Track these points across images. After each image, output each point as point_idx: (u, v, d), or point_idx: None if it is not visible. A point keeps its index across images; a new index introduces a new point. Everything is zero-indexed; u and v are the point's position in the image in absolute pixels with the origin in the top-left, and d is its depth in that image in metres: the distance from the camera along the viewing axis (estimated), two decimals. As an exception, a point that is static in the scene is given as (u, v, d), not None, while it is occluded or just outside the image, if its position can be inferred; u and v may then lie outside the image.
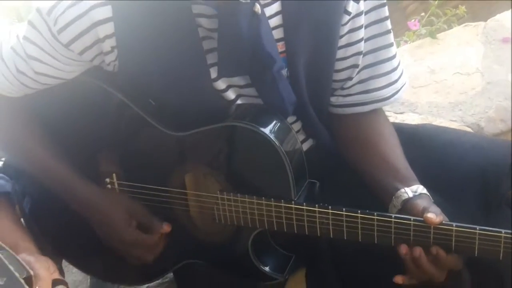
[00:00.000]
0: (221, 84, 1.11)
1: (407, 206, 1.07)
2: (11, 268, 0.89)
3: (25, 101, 1.18)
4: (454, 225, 1.01)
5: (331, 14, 1.10)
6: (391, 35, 1.18)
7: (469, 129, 1.81)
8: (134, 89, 1.13)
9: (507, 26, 2.16)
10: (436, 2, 2.49)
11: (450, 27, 2.40)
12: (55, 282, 0.98)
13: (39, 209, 1.28)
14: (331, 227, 1.07)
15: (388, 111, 1.42)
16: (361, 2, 1.11)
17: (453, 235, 1.00)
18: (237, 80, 1.12)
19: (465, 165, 1.17)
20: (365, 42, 1.15)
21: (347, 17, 1.11)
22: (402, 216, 1.04)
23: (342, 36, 1.12)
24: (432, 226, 1.01)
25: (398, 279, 1.06)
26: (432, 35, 2.24)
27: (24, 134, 1.19)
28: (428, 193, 1.09)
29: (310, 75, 1.14)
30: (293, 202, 1.08)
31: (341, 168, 1.22)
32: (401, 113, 1.89)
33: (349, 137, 1.23)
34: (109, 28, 1.03)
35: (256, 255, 1.17)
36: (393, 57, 1.19)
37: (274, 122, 1.10)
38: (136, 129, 1.16)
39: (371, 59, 1.17)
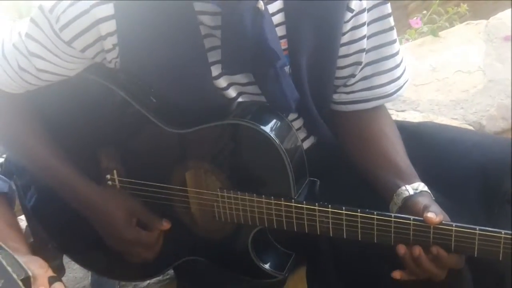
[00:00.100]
0: (222, 82, 1.11)
1: (407, 203, 1.07)
2: (9, 269, 0.89)
3: (26, 98, 1.18)
4: (453, 225, 1.00)
5: (334, 11, 1.10)
6: (394, 32, 1.17)
7: (470, 127, 1.81)
8: (135, 86, 1.13)
9: (508, 25, 2.16)
10: (438, 0, 2.49)
11: (452, 25, 2.40)
12: (51, 280, 0.98)
13: (44, 204, 1.28)
14: (330, 226, 1.07)
15: (390, 108, 1.42)
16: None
17: (453, 235, 1.00)
18: (239, 78, 1.12)
19: (467, 163, 1.17)
20: (368, 39, 1.15)
21: (349, 14, 1.11)
22: (401, 215, 1.04)
23: (344, 33, 1.12)
24: (431, 226, 1.01)
25: (396, 274, 1.06)
26: (434, 33, 2.24)
27: (25, 131, 1.19)
28: (429, 191, 1.09)
29: (312, 72, 1.14)
30: (293, 200, 1.08)
31: (342, 167, 1.23)
32: (402, 111, 1.89)
33: (351, 134, 1.23)
34: (111, 26, 1.03)
35: (256, 253, 1.17)
36: (396, 53, 1.19)
37: (274, 120, 1.10)
38: (137, 126, 1.16)
39: (374, 56, 1.17)
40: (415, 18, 2.44)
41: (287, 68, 1.11)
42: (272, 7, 1.06)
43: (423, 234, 1.02)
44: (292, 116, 1.18)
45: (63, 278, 1.42)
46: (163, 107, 1.14)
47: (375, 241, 1.05)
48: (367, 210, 1.05)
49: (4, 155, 1.37)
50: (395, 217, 1.03)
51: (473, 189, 1.15)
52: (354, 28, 1.13)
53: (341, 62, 1.16)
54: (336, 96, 1.22)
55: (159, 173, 1.17)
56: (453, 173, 1.17)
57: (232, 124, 1.09)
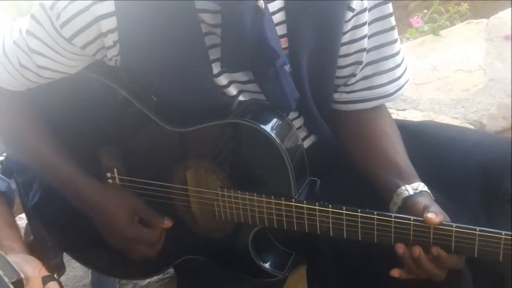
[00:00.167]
0: (223, 80, 1.11)
1: (407, 203, 1.07)
2: (1, 272, 0.88)
3: (27, 96, 1.18)
4: (454, 225, 1.00)
5: (335, 10, 1.09)
6: (395, 32, 1.17)
7: (471, 126, 1.81)
8: (136, 84, 1.13)
9: (509, 24, 2.16)
10: (438, -1, 2.49)
11: (452, 24, 2.39)
12: (45, 280, 0.97)
13: (44, 202, 1.29)
14: (331, 225, 1.07)
15: (390, 107, 1.42)
16: None
17: (453, 236, 1.00)
18: (239, 76, 1.12)
19: (467, 162, 1.17)
20: (368, 38, 1.15)
21: (350, 14, 1.11)
22: (402, 215, 1.04)
23: (345, 33, 1.12)
24: (432, 226, 1.01)
25: (395, 272, 1.06)
26: (435, 32, 2.24)
27: (27, 129, 1.19)
28: (428, 191, 1.09)
29: (313, 71, 1.13)
30: (293, 200, 1.08)
31: (343, 166, 1.22)
32: (403, 110, 1.89)
33: (351, 134, 1.23)
34: (111, 23, 1.03)
35: (256, 252, 1.17)
36: (397, 53, 1.19)
37: (275, 119, 1.10)
38: (137, 124, 1.16)
39: (374, 56, 1.17)
40: (416, 17, 2.44)
41: (287, 67, 1.11)
42: (273, 6, 1.06)
43: (423, 234, 1.02)
44: (292, 115, 1.18)
45: (63, 277, 1.42)
46: (164, 106, 1.14)
47: (375, 241, 1.05)
48: (368, 210, 1.04)
49: (4, 154, 1.37)
50: (395, 217, 1.03)
51: (473, 189, 1.15)
52: (355, 27, 1.13)
53: (342, 62, 1.16)
54: (336, 96, 1.22)
55: (159, 172, 1.17)
56: (453, 172, 1.17)
57: (233, 123, 1.09)
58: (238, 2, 0.99)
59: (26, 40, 1.09)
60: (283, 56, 1.07)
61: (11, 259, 0.96)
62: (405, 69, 1.22)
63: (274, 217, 1.10)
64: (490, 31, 2.17)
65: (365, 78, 1.19)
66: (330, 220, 1.06)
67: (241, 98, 1.15)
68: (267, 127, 1.07)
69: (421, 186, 1.09)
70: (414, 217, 1.03)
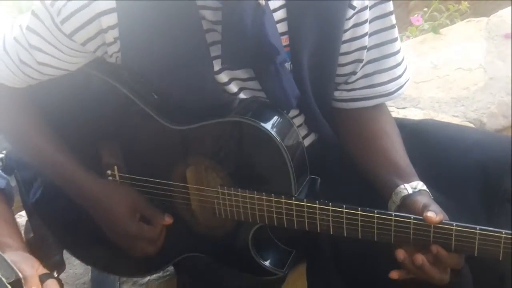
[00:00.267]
0: (223, 77, 1.11)
1: (406, 202, 1.07)
2: None
3: (28, 93, 1.18)
4: (454, 224, 1.00)
5: (336, 8, 1.09)
6: (396, 30, 1.17)
7: (471, 125, 1.81)
8: (136, 81, 1.13)
9: (509, 22, 2.16)
10: (439, -2, 2.49)
11: (452, 23, 2.39)
12: (42, 278, 0.97)
13: (45, 199, 1.29)
14: (331, 224, 1.07)
15: (391, 106, 1.42)
16: None
17: (453, 235, 1.00)
18: (240, 73, 1.12)
19: (467, 161, 1.17)
20: (369, 36, 1.15)
21: (351, 12, 1.10)
22: (402, 214, 1.04)
23: (346, 31, 1.12)
24: (432, 225, 1.01)
25: (394, 274, 1.06)
26: (435, 30, 2.24)
27: (27, 125, 1.19)
28: (427, 190, 1.09)
29: (313, 69, 1.13)
30: (293, 198, 1.08)
31: (343, 165, 1.23)
32: (403, 108, 1.89)
33: (351, 132, 1.23)
34: (112, 19, 1.03)
35: (257, 250, 1.17)
36: (398, 52, 1.19)
37: (276, 117, 1.10)
38: (138, 122, 1.16)
39: (375, 54, 1.17)
40: (416, 15, 2.44)
41: (288, 65, 1.11)
42: (274, 4, 1.06)
43: (423, 233, 1.02)
44: (293, 112, 1.18)
45: (63, 274, 1.42)
46: (164, 103, 1.13)
47: (375, 240, 1.05)
48: (368, 208, 1.04)
49: (4, 151, 1.37)
50: (395, 215, 1.03)
51: (473, 188, 1.15)
52: (356, 25, 1.13)
53: (342, 60, 1.16)
54: (337, 94, 1.22)
55: (159, 169, 1.17)
56: (453, 171, 1.17)
57: (233, 121, 1.09)
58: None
59: (26, 36, 1.09)
60: (284, 53, 1.07)
61: (9, 257, 0.95)
62: (406, 68, 1.22)
63: (275, 215, 1.10)
64: (490, 29, 2.16)
65: (365, 76, 1.19)
66: (330, 219, 1.06)
67: (241, 95, 1.14)
68: (268, 125, 1.07)
69: (420, 185, 1.09)
70: (414, 216, 1.03)
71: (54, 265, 1.36)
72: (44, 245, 1.36)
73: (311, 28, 1.09)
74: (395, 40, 1.18)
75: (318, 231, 1.09)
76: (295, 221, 1.09)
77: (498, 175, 1.15)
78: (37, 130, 1.19)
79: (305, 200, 1.07)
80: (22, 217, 1.52)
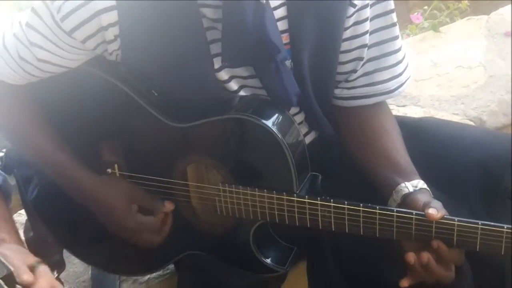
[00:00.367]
0: (223, 75, 1.11)
1: (406, 200, 1.07)
2: None
3: (28, 90, 1.18)
4: (456, 219, 1.00)
5: (336, 5, 1.09)
6: (397, 28, 1.17)
7: (471, 123, 1.81)
8: (136, 79, 1.13)
9: (509, 20, 2.16)
10: (439, -5, 2.49)
11: (452, 21, 2.39)
12: (34, 266, 0.96)
13: (44, 198, 1.28)
14: (333, 220, 1.07)
15: (391, 104, 1.42)
16: None
17: (455, 230, 1.00)
18: (240, 71, 1.12)
19: (467, 158, 1.17)
20: (370, 35, 1.14)
21: (352, 10, 1.10)
22: (404, 210, 1.04)
23: (347, 29, 1.12)
24: (434, 221, 1.01)
25: (404, 282, 1.05)
26: (435, 28, 2.24)
27: (27, 122, 1.18)
28: (428, 188, 1.09)
29: (314, 67, 1.13)
30: (295, 195, 1.08)
31: (344, 161, 1.22)
32: (403, 106, 1.89)
33: (351, 130, 1.22)
34: (112, 17, 1.03)
35: (258, 247, 1.17)
36: (398, 50, 1.18)
37: (277, 114, 1.10)
38: (138, 120, 1.15)
39: (376, 52, 1.17)
40: (416, 13, 2.44)
41: (288, 63, 1.11)
42: (274, 2, 1.06)
43: (425, 228, 1.02)
44: (293, 110, 1.18)
45: (63, 273, 1.42)
46: (164, 101, 1.13)
47: (377, 236, 1.05)
48: (369, 204, 1.04)
49: (4, 150, 1.37)
50: (397, 211, 1.03)
51: (474, 186, 1.15)
52: (357, 23, 1.13)
53: (343, 57, 1.16)
54: (337, 91, 1.22)
55: (160, 167, 1.17)
56: (453, 169, 1.17)
57: (234, 119, 1.09)
58: None
59: (26, 33, 1.09)
60: (284, 51, 1.06)
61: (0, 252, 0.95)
62: (406, 66, 1.22)
63: (276, 212, 1.10)
64: (490, 27, 2.16)
65: (366, 74, 1.19)
66: (332, 215, 1.06)
67: (242, 93, 1.14)
68: (269, 122, 1.06)
69: (420, 184, 1.09)
70: (416, 212, 1.03)
71: (54, 265, 1.36)
72: (44, 244, 1.36)
73: (311, 26, 1.09)
74: (396, 38, 1.18)
75: (320, 227, 1.09)
76: (296, 218, 1.09)
77: (498, 173, 1.15)
78: (37, 128, 1.18)
79: (306, 196, 1.07)
80: (22, 216, 1.52)
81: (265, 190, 1.09)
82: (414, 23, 2.41)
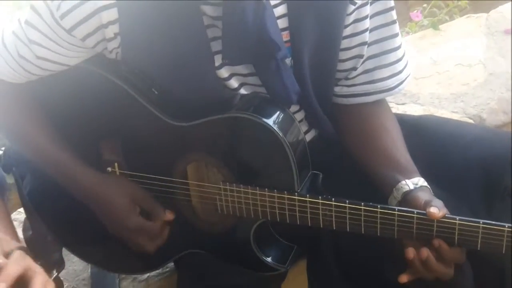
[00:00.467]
0: (224, 73, 1.11)
1: (407, 198, 1.07)
2: None
3: (28, 88, 1.17)
4: (457, 218, 1.00)
5: (336, 3, 1.09)
6: (396, 26, 1.17)
7: (470, 121, 1.81)
8: (137, 77, 1.12)
9: (509, 18, 2.16)
10: (438, -7, 2.49)
11: (452, 19, 2.39)
12: (8, 253, 0.95)
13: (43, 196, 1.28)
14: (334, 219, 1.07)
15: (390, 102, 1.42)
16: None
17: (456, 229, 1.00)
18: (240, 69, 1.12)
19: (467, 156, 1.17)
20: (370, 32, 1.14)
21: (352, 7, 1.10)
22: (405, 209, 1.04)
23: (347, 26, 1.12)
24: (435, 220, 1.01)
25: (403, 278, 1.06)
26: (435, 26, 2.23)
27: (26, 121, 1.18)
28: (428, 186, 1.09)
29: (314, 64, 1.13)
30: (296, 193, 1.08)
31: (344, 160, 1.22)
32: (403, 104, 1.89)
33: (351, 128, 1.22)
34: (112, 14, 1.03)
35: (258, 245, 1.17)
36: (398, 47, 1.18)
37: (277, 113, 1.10)
38: (138, 118, 1.15)
39: (376, 50, 1.16)
40: (416, 11, 2.44)
41: (288, 61, 1.11)
42: (274, 0, 1.06)
43: (427, 227, 1.02)
44: (293, 108, 1.18)
45: (63, 272, 1.42)
46: (165, 99, 1.13)
47: (378, 235, 1.05)
48: (371, 203, 1.04)
49: (3, 148, 1.37)
50: (398, 210, 1.03)
51: (474, 184, 1.15)
52: (357, 21, 1.13)
53: (343, 55, 1.16)
54: (337, 89, 1.22)
55: (160, 166, 1.17)
56: (453, 167, 1.17)
57: (235, 117, 1.09)
58: None
59: (25, 31, 1.08)
60: (284, 48, 1.06)
61: None
62: (406, 64, 1.22)
63: (277, 211, 1.10)
64: (490, 25, 2.16)
65: (366, 72, 1.19)
66: (333, 214, 1.06)
67: (242, 91, 1.14)
68: (270, 121, 1.06)
69: (421, 181, 1.09)
70: (418, 211, 1.02)
71: (53, 263, 1.36)
72: (43, 243, 1.35)
73: (311, 24, 1.09)
74: (395, 35, 1.18)
75: (321, 226, 1.09)
76: (297, 217, 1.09)
77: (498, 171, 1.15)
78: (37, 127, 1.18)
79: (308, 195, 1.07)
80: (20, 214, 1.52)
81: (266, 189, 1.09)
82: (414, 21, 2.41)
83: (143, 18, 1.04)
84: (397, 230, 1.04)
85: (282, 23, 1.08)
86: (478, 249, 1.00)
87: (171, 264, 1.40)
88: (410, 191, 1.07)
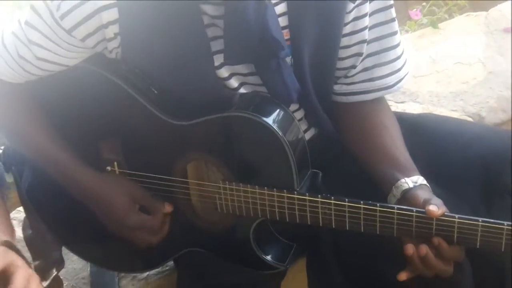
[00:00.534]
0: (224, 72, 1.11)
1: (406, 196, 1.07)
2: None
3: (27, 88, 1.17)
4: (456, 216, 1.00)
5: (336, 2, 1.09)
6: (396, 24, 1.17)
7: (470, 119, 1.81)
8: (136, 77, 1.12)
9: (508, 16, 2.16)
10: (437, -8, 2.49)
11: (451, 17, 2.39)
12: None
13: (42, 195, 1.28)
14: (333, 217, 1.07)
15: (389, 100, 1.42)
16: None
17: (456, 227, 1.00)
18: (240, 68, 1.12)
19: (466, 154, 1.17)
20: (369, 30, 1.14)
21: (351, 5, 1.10)
22: (404, 207, 1.04)
23: (346, 24, 1.12)
24: (434, 218, 1.01)
25: (402, 276, 1.05)
26: (434, 24, 2.24)
27: (25, 120, 1.18)
28: (428, 184, 1.09)
29: (314, 63, 1.13)
30: (295, 192, 1.08)
31: (344, 157, 1.22)
32: (402, 102, 1.89)
33: (351, 126, 1.23)
34: (112, 14, 1.03)
35: (258, 244, 1.17)
36: (397, 45, 1.18)
37: (277, 111, 1.09)
38: (138, 117, 1.15)
39: (375, 47, 1.17)
40: (415, 9, 2.44)
41: (288, 59, 1.11)
42: None
43: (426, 226, 1.02)
44: (292, 107, 1.18)
45: (62, 270, 1.42)
46: (164, 99, 1.13)
47: (378, 233, 1.05)
48: (370, 202, 1.04)
49: (2, 147, 1.37)
50: (398, 209, 1.03)
51: (473, 182, 1.15)
52: (356, 18, 1.13)
53: (342, 53, 1.16)
54: (336, 87, 1.22)
55: (160, 165, 1.17)
56: (452, 165, 1.17)
57: (235, 116, 1.09)
58: None
59: (25, 31, 1.08)
60: (287, 48, 1.06)
61: None
62: (405, 62, 1.22)
63: (277, 210, 1.10)
64: (489, 23, 2.16)
65: (365, 69, 1.19)
66: (333, 212, 1.06)
67: (242, 90, 1.14)
68: (269, 120, 1.06)
69: (420, 180, 1.09)
70: (417, 209, 1.03)
71: (53, 262, 1.36)
72: (43, 241, 1.36)
73: (311, 23, 1.09)
74: (395, 33, 1.18)
75: (321, 225, 1.08)
76: (297, 215, 1.09)
77: (498, 169, 1.15)
78: (37, 126, 1.18)
79: (307, 194, 1.07)
80: (20, 213, 1.52)
81: (265, 188, 1.09)
82: (413, 19, 2.41)
83: (143, 18, 1.03)
84: (397, 228, 1.04)
85: (282, 21, 1.08)
86: (477, 247, 1.00)
87: (170, 263, 1.40)
88: (410, 189, 1.08)
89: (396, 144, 1.16)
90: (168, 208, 1.18)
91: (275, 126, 1.05)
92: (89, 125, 1.19)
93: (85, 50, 1.10)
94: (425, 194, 1.06)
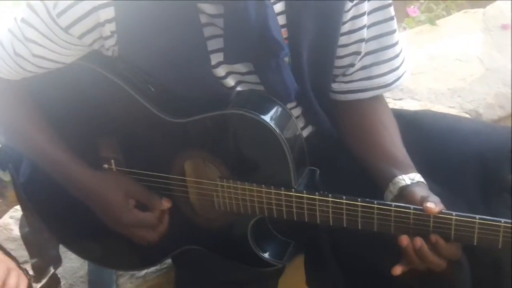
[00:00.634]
0: (221, 71, 1.11)
1: (403, 193, 1.07)
2: None
3: (24, 85, 1.17)
4: (453, 214, 1.00)
5: (334, 0, 1.09)
6: (394, 22, 1.17)
7: (467, 116, 1.81)
8: (133, 74, 1.12)
9: (506, 13, 2.16)
10: (435, -11, 2.49)
11: (449, 14, 2.39)
12: None
13: (39, 193, 1.28)
14: (331, 215, 1.07)
15: (387, 97, 1.42)
16: None
17: (453, 224, 1.00)
18: (238, 67, 1.11)
19: (464, 151, 1.17)
20: (368, 28, 1.14)
21: (350, 4, 1.10)
22: (402, 204, 1.04)
23: (345, 23, 1.12)
24: (432, 215, 1.01)
25: (396, 270, 1.06)
26: (432, 21, 2.24)
27: (23, 118, 1.18)
28: (425, 182, 1.09)
29: (312, 61, 1.13)
30: (293, 190, 1.08)
31: (341, 155, 1.22)
32: (400, 99, 1.89)
33: (349, 124, 1.23)
34: (109, 12, 1.02)
35: (255, 241, 1.17)
36: (396, 43, 1.19)
37: (274, 109, 1.09)
38: (135, 115, 1.15)
39: (373, 46, 1.17)
40: (413, 6, 2.44)
41: (286, 58, 1.11)
42: None
43: (423, 223, 1.02)
44: (290, 105, 1.18)
45: (60, 269, 1.42)
46: (161, 96, 1.13)
47: (375, 230, 1.05)
48: (367, 199, 1.04)
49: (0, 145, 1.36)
50: (395, 206, 1.03)
51: (471, 178, 1.15)
52: (354, 17, 1.13)
53: (341, 52, 1.16)
54: (335, 85, 1.22)
55: (157, 163, 1.17)
56: (451, 161, 1.17)
57: (232, 114, 1.08)
58: None
59: (21, 29, 1.08)
60: (286, 47, 1.06)
61: None
62: (404, 60, 1.22)
63: (274, 207, 1.10)
64: (487, 20, 2.17)
65: (364, 68, 1.19)
66: (330, 210, 1.06)
67: (239, 89, 1.14)
68: (267, 117, 1.06)
69: (417, 177, 1.09)
70: (414, 206, 1.03)
71: (50, 260, 1.36)
72: (40, 239, 1.35)
73: (310, 21, 1.09)
74: (393, 31, 1.18)
75: (318, 222, 1.09)
76: (294, 213, 1.09)
77: (496, 165, 1.15)
78: (33, 124, 1.18)
79: (305, 192, 1.07)
80: (17, 211, 1.52)
81: (263, 185, 1.09)
82: (411, 16, 2.42)
83: (140, 17, 1.03)
84: (394, 225, 1.04)
85: (280, 20, 1.07)
86: (475, 244, 1.01)
87: (168, 261, 1.40)
88: (407, 186, 1.08)
89: (394, 141, 1.17)
90: (166, 204, 1.18)
91: (272, 124, 1.05)
92: (86, 122, 1.19)
93: (82, 48, 1.10)
94: (422, 191, 1.06)
